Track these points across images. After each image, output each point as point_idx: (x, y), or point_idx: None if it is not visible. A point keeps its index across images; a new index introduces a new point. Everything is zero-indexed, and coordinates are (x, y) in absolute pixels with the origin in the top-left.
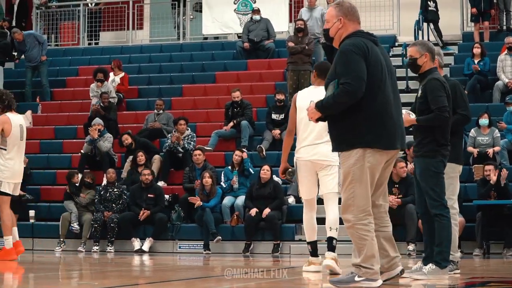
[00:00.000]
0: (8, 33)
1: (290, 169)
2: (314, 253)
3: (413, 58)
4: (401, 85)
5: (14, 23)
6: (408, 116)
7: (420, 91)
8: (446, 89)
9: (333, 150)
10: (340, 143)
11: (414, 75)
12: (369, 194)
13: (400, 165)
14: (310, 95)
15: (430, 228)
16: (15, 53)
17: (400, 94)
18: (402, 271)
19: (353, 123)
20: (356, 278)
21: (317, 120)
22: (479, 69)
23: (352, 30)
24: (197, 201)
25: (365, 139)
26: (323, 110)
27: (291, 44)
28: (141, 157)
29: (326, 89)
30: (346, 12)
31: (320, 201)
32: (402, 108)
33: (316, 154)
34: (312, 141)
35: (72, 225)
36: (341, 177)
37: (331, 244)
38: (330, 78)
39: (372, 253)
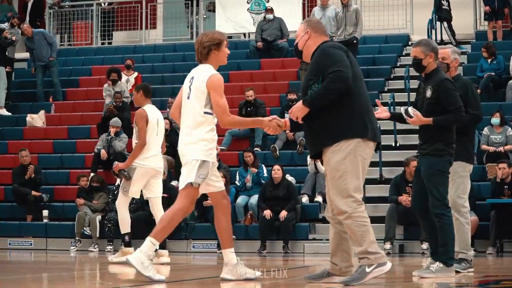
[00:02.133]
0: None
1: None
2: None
3: (418, 59)
4: (413, 84)
5: (27, 22)
6: (419, 114)
7: (430, 92)
8: (456, 89)
9: (316, 148)
10: (327, 138)
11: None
12: (361, 186)
13: (413, 164)
14: None
15: (429, 224)
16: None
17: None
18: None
19: (339, 116)
20: (367, 269)
21: (302, 120)
22: (493, 63)
23: (321, 41)
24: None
25: (354, 130)
26: (314, 103)
27: None
28: None
29: (307, 90)
30: (313, 26)
31: None
32: (410, 107)
33: None
34: None
35: (84, 228)
36: (330, 172)
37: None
38: (312, 79)
39: (373, 238)
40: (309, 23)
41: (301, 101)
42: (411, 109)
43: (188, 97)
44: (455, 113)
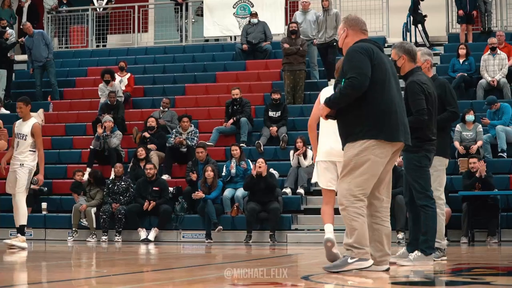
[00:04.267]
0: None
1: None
2: None
3: (393, 61)
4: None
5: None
6: None
7: (403, 93)
8: (425, 90)
9: (343, 143)
10: (347, 137)
11: None
12: (368, 185)
13: None
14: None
15: (415, 217)
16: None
17: None
18: (387, 269)
19: (359, 117)
20: (349, 260)
21: (326, 117)
22: (465, 64)
23: (357, 39)
24: (199, 195)
25: (371, 131)
26: (331, 105)
27: (286, 45)
28: (141, 151)
29: (335, 89)
30: (350, 23)
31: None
32: None
33: None
34: None
35: (81, 220)
36: (342, 164)
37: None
38: (339, 79)
39: (363, 234)
40: (346, 21)
41: (324, 100)
42: None
43: None
44: (415, 115)
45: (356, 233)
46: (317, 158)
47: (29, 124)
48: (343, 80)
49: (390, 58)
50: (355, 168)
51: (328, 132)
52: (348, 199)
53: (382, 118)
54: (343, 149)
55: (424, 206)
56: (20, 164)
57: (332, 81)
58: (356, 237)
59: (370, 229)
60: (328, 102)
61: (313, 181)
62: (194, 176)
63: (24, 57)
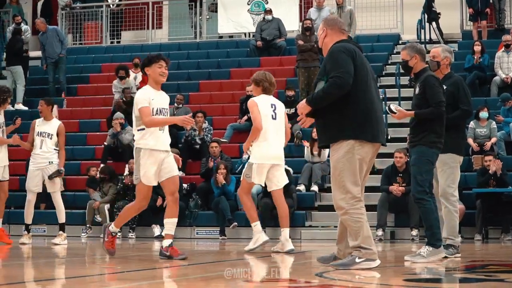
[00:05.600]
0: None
1: None
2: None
3: (405, 61)
4: (404, 80)
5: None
6: (402, 109)
7: (418, 89)
8: (441, 85)
9: (321, 143)
10: (329, 137)
11: None
12: (358, 182)
13: (396, 155)
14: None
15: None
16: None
17: (405, 89)
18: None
19: (342, 117)
20: (357, 260)
21: (306, 116)
22: (480, 61)
23: (337, 39)
24: (220, 179)
25: (354, 132)
26: (314, 103)
27: (300, 42)
28: None
29: (315, 87)
30: (329, 23)
31: None
32: (392, 103)
33: None
34: None
35: (95, 216)
36: (331, 169)
37: None
38: (319, 77)
39: (368, 234)
40: (325, 21)
41: (305, 98)
42: (393, 106)
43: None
44: (435, 107)
45: (361, 234)
46: (260, 161)
47: (53, 124)
48: (326, 78)
49: (401, 58)
50: (346, 169)
51: (273, 137)
52: (348, 201)
53: (364, 118)
54: (321, 146)
55: (420, 199)
56: (49, 162)
57: None
58: (362, 238)
59: (342, 225)
60: (311, 100)
61: (253, 180)
62: (211, 164)
63: (38, 53)
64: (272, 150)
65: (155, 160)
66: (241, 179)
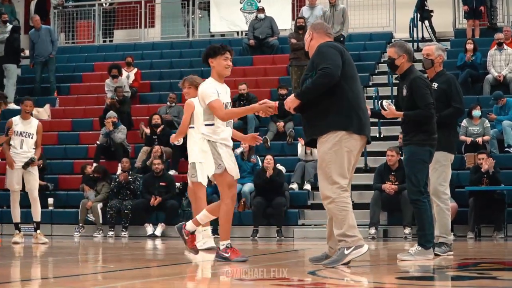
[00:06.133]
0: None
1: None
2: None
3: (392, 59)
4: (396, 79)
5: (30, 22)
6: (393, 108)
7: (405, 91)
8: (428, 85)
9: (308, 137)
10: (316, 128)
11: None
12: (345, 174)
13: (388, 153)
14: None
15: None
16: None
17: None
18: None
19: (330, 109)
20: (346, 252)
21: (294, 110)
22: (472, 59)
23: (323, 41)
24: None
25: (340, 123)
26: (303, 96)
27: (293, 40)
28: (158, 149)
29: (302, 84)
30: (315, 27)
31: None
32: (385, 100)
33: None
34: None
35: (88, 215)
36: (318, 160)
37: None
38: (307, 74)
39: (353, 223)
40: (312, 26)
41: (294, 93)
42: (385, 103)
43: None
44: (424, 109)
45: (346, 222)
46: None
47: (33, 123)
48: (313, 74)
49: (387, 56)
50: (333, 161)
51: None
52: (335, 191)
53: (352, 111)
54: (310, 143)
55: (416, 200)
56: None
57: None
58: (347, 225)
59: (331, 223)
60: (300, 93)
61: (199, 179)
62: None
63: (26, 52)
64: None
65: (231, 153)
66: (190, 183)
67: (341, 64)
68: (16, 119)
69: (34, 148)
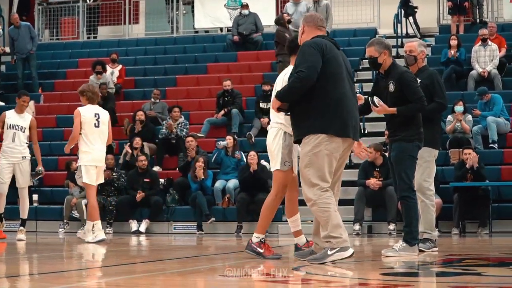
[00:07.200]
0: None
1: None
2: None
3: (373, 58)
4: (367, 75)
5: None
6: (385, 105)
7: (392, 86)
8: (416, 79)
9: (295, 137)
10: (299, 130)
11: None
12: (326, 176)
13: (369, 149)
14: None
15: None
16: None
17: None
18: (352, 253)
19: (310, 111)
20: (329, 252)
21: (278, 110)
22: (456, 55)
23: (313, 35)
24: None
25: (319, 125)
26: (281, 98)
27: (287, 35)
28: (138, 141)
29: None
30: (307, 20)
31: None
32: (375, 97)
33: None
34: None
35: (72, 212)
36: (300, 161)
37: None
38: (292, 72)
39: (337, 222)
40: (304, 19)
41: (276, 92)
42: (376, 99)
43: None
44: (417, 102)
45: (330, 223)
46: (87, 163)
47: (26, 117)
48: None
49: (367, 55)
50: (312, 163)
51: (95, 139)
52: (315, 193)
53: (331, 112)
54: (294, 142)
55: (406, 197)
56: (23, 157)
57: None
58: (331, 226)
59: (318, 220)
60: (278, 95)
61: (84, 180)
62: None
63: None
64: (95, 154)
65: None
66: (81, 184)
67: (319, 65)
68: (9, 112)
69: (26, 143)
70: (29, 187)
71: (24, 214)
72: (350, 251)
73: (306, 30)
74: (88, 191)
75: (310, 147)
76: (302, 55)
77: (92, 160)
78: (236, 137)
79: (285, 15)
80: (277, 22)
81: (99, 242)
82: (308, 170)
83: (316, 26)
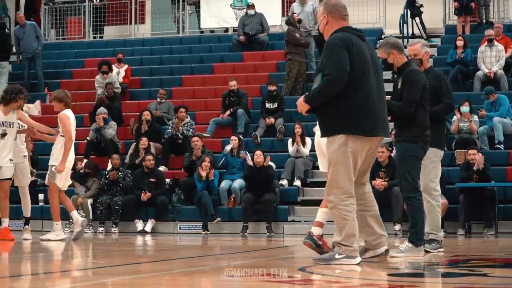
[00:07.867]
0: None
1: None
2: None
3: (383, 59)
4: (387, 75)
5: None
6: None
7: (400, 83)
8: (422, 82)
9: (321, 136)
10: (326, 130)
11: None
12: (351, 177)
13: (380, 150)
14: None
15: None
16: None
17: (388, 84)
18: (386, 251)
19: (337, 111)
20: (337, 256)
21: (306, 112)
22: (462, 55)
23: (338, 27)
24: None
25: (346, 126)
26: (311, 102)
27: (297, 35)
28: (145, 141)
29: (313, 81)
30: (330, 9)
31: None
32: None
33: None
34: None
35: (78, 211)
36: (327, 159)
37: None
38: (318, 69)
39: (352, 232)
40: (326, 7)
41: (303, 96)
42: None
43: None
44: (404, 103)
45: (345, 232)
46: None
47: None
48: (321, 73)
49: (378, 57)
50: (338, 163)
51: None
52: (338, 196)
53: (358, 113)
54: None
55: (411, 197)
56: (24, 156)
57: None
58: (345, 235)
59: (358, 217)
60: (308, 99)
61: (59, 184)
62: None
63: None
64: (71, 156)
65: None
66: (47, 182)
67: (348, 65)
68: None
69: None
70: (34, 186)
71: (27, 212)
72: (358, 259)
73: (330, 21)
74: (53, 191)
75: (336, 146)
76: (329, 56)
77: (68, 161)
78: (241, 137)
79: (294, 15)
80: (288, 22)
81: (59, 240)
82: (335, 170)
83: (341, 16)
